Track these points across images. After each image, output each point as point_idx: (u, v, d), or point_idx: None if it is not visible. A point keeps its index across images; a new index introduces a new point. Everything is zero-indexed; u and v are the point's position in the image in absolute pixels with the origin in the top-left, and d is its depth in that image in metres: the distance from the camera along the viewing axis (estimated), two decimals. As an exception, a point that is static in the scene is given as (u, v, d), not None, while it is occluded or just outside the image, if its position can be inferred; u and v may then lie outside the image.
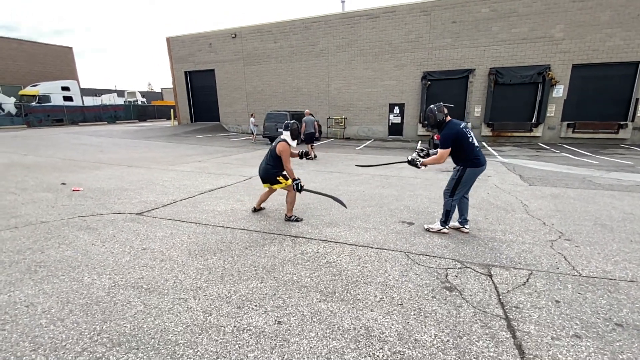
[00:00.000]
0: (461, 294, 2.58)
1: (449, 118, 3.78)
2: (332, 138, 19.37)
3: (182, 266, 3.02)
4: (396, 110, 18.52)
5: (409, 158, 4.11)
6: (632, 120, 14.88)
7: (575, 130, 15.57)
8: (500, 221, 4.42)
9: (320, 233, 3.92)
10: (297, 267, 3.00)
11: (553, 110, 15.93)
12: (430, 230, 3.97)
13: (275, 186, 4.48)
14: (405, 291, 2.61)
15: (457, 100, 17.52)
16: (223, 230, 4.01)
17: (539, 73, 15.67)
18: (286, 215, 4.45)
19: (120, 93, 45.29)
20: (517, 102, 16.60)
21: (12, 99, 24.43)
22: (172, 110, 26.41)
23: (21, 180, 6.64)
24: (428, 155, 4.10)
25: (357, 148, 14.53)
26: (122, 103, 37.29)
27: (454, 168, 3.88)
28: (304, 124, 10.96)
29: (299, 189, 4.25)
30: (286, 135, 4.32)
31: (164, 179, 7.03)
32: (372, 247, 3.48)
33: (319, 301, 2.44)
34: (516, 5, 15.41)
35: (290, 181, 4.33)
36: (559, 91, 15.63)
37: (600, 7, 14.33)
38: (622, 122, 14.99)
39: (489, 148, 14.10)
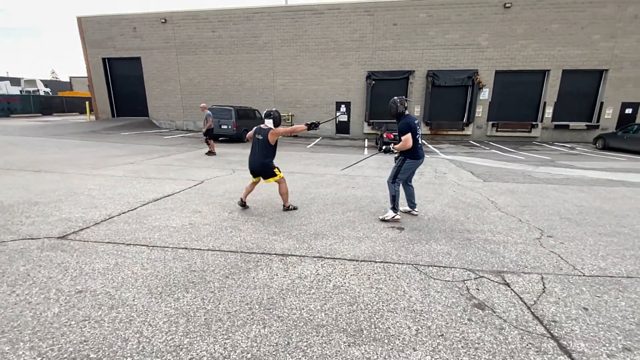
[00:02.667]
0: (494, 312, 2.31)
1: (407, 112, 4.28)
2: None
3: (145, 313, 2.20)
4: (343, 108, 18.58)
5: (384, 147, 4.70)
6: (541, 121, 17.27)
7: (499, 129, 17.48)
8: (481, 220, 4.40)
9: (310, 248, 3.37)
10: (301, 298, 2.42)
11: (480, 111, 17.64)
12: (386, 219, 4.27)
13: (269, 179, 4.44)
14: (437, 316, 2.24)
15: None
16: (188, 253, 3.19)
17: (469, 77, 17.17)
18: (284, 206, 4.64)
19: (15, 81, 37.48)
20: (451, 103, 17.99)
21: None
22: (87, 102, 22.60)
23: None
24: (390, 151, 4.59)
25: (308, 146, 14.11)
26: (19, 93, 30.87)
27: (396, 159, 4.47)
28: (209, 119, 10.25)
29: (317, 125, 4.27)
30: (269, 123, 4.34)
31: (88, 186, 5.65)
32: (375, 262, 3.07)
33: (348, 345, 1.93)
34: (449, 13, 16.61)
35: (281, 174, 4.54)
36: (485, 94, 17.36)
37: (516, 20, 16.22)
38: (533, 123, 17.29)
39: (430, 146, 14.96)
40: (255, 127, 4.45)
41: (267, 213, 4.55)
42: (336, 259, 3.11)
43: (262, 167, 4.36)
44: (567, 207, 5.07)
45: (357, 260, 3.08)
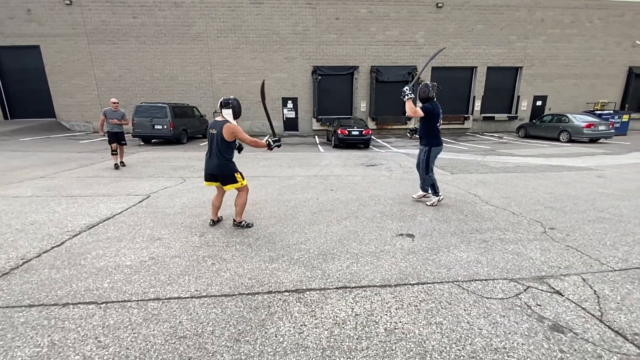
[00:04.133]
0: (575, 334, 1.98)
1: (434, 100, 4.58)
2: (222, 135, 17.09)
3: None
4: (290, 104, 17.84)
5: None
6: (472, 114, 18.88)
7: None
8: (479, 216, 4.23)
9: (326, 275, 2.71)
10: (358, 358, 1.77)
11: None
12: (434, 205, 4.65)
13: (228, 186, 3.63)
14: (524, 351, 1.82)
15: (345, 96, 18.27)
16: (164, 307, 2.26)
17: (409, 72, 17.86)
18: (235, 220, 3.81)
19: None
20: (394, 98, 18.49)
21: None
22: (-37, 101, 17.82)
23: None
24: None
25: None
26: None
27: (421, 150, 4.73)
28: (102, 117, 7.44)
29: (276, 144, 3.87)
30: (227, 114, 3.49)
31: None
32: (411, 284, 2.55)
33: None
34: (388, 10, 17.00)
35: (245, 181, 3.73)
36: (424, 89, 18.26)
37: (447, 20, 17.34)
38: (466, 115, 18.81)
39: (379, 140, 15.18)
40: (210, 121, 3.64)
41: (248, 230, 3.71)
42: (365, 287, 2.51)
43: (220, 168, 3.53)
44: (541, 195, 5.25)
45: (390, 286, 2.52)
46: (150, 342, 1.90)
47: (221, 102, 3.48)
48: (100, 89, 16.95)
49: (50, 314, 2.16)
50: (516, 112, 19.08)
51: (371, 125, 18.15)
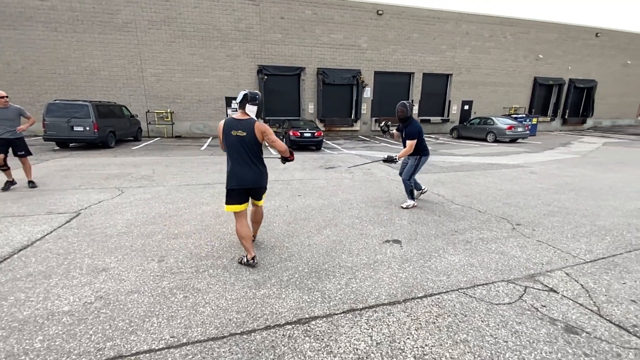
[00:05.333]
0: (588, 334, 2.00)
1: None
2: (157, 137, 15.44)
3: None
4: (234, 104, 16.86)
5: (386, 156, 4.69)
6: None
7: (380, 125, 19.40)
8: (451, 216, 4.32)
9: (326, 297, 2.38)
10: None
11: (365, 108, 19.17)
12: (408, 207, 4.66)
13: (260, 201, 3.10)
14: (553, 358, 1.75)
15: (293, 97, 17.98)
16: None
17: (353, 76, 18.31)
18: (254, 236, 3.36)
19: None
20: (340, 100, 18.85)
21: None
22: None
23: None
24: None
25: (202, 148, 12.09)
26: None
27: (410, 157, 4.63)
28: None
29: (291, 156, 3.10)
30: (252, 111, 2.77)
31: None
32: (419, 298, 2.38)
33: None
34: (333, 13, 17.19)
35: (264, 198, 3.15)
36: (368, 92, 18.93)
37: (387, 27, 18.21)
38: (406, 118, 19.96)
39: (329, 142, 15.24)
40: (225, 121, 2.71)
41: (215, 247, 3.19)
42: (374, 306, 2.26)
43: (260, 180, 2.84)
44: (494, 192, 5.63)
45: (399, 302, 2.31)
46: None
47: (246, 95, 2.70)
48: (-5, 83, 13.92)
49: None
50: (448, 115, 20.89)
51: (320, 126, 18.15)
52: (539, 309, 2.24)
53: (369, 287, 2.51)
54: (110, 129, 11.70)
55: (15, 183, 5.54)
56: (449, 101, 20.69)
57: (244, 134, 2.67)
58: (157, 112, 15.67)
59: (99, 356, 1.77)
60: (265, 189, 3.02)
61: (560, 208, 4.71)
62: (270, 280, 2.62)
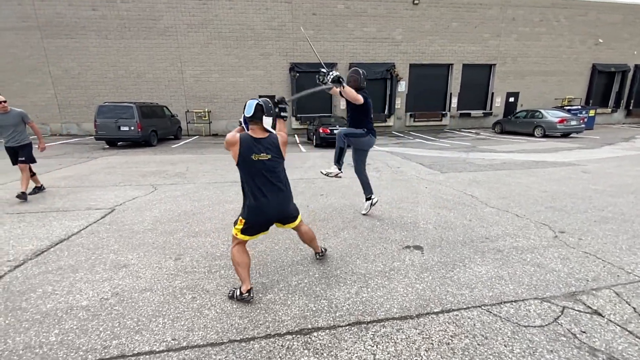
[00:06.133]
0: (638, 371, 1.67)
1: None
2: (195, 135, 16.19)
3: None
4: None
5: (333, 75, 3.35)
6: (449, 110, 19.09)
7: (416, 120, 18.64)
8: (484, 221, 3.96)
9: (333, 307, 2.27)
10: None
11: (399, 103, 18.51)
12: (329, 175, 3.86)
13: (290, 225, 2.54)
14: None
15: (323, 94, 17.82)
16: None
17: (387, 70, 17.74)
18: (317, 253, 2.95)
19: None
20: (373, 95, 18.24)
21: None
22: None
23: None
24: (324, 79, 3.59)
25: (236, 146, 12.40)
26: None
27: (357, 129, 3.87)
28: None
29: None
30: (269, 123, 2.25)
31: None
32: (434, 314, 2.17)
33: None
34: (366, 6, 16.74)
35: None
36: (403, 86, 18.25)
37: (424, 17, 17.35)
38: (443, 112, 18.98)
39: (361, 138, 14.90)
40: (241, 138, 2.19)
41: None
42: (382, 320, 2.10)
43: (288, 204, 2.43)
44: (537, 194, 5.10)
45: (411, 317, 2.13)
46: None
47: (260, 107, 2.17)
48: (57, 88, 15.48)
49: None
50: (491, 109, 19.50)
51: (351, 123, 17.88)
52: (578, 336, 1.94)
53: (381, 298, 2.35)
54: (153, 128, 12.46)
55: (44, 189, 5.46)
56: (492, 93, 19.29)
57: (269, 156, 2.21)
58: (195, 112, 16.42)
59: (103, 354, 1.82)
60: (293, 214, 2.51)
61: (615, 214, 4.12)
62: (278, 284, 2.56)
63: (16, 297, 2.40)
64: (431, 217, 4.11)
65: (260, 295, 2.41)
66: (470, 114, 19.17)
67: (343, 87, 3.34)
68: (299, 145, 12.83)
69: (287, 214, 2.43)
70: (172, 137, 14.65)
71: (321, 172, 3.94)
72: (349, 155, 4.18)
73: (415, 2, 16.97)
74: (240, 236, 2.34)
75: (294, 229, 2.60)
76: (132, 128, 11.48)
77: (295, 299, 2.36)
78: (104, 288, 2.52)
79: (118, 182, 6.22)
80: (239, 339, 1.95)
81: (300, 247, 3.25)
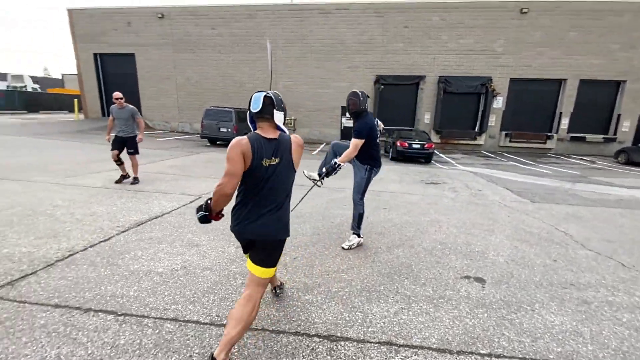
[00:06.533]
0: None
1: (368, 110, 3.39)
2: (280, 141, 17.50)
3: None
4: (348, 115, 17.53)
5: (325, 169, 3.25)
6: (557, 132, 16.44)
7: (512, 140, 16.58)
8: (574, 264, 3.31)
9: (367, 321, 2.22)
10: None
11: (494, 120, 16.75)
12: (352, 247, 3.43)
13: (272, 268, 1.82)
14: None
15: (408, 107, 17.38)
16: (179, 334, 2.01)
17: (482, 84, 16.30)
18: (275, 287, 2.45)
19: (2, 76, 35.81)
20: (463, 110, 17.09)
21: None
22: (75, 100, 21.22)
23: None
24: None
25: (313, 153, 13.03)
26: (4, 88, 29.28)
27: (357, 167, 3.53)
28: (110, 117, 5.91)
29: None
30: (280, 120, 1.77)
31: (55, 202, 4.43)
32: (480, 355, 1.93)
33: None
34: (463, 17, 15.77)
35: None
36: (499, 102, 16.49)
37: (532, 27, 15.45)
38: (549, 134, 16.44)
39: (443, 155, 13.98)
40: (250, 139, 1.64)
41: (285, 245, 3.39)
42: (416, 347, 1.97)
43: (286, 227, 1.87)
44: (663, 244, 4.02)
45: (450, 352, 1.94)
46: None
47: (269, 99, 1.71)
48: (179, 93, 18.69)
49: (69, 319, 2.05)
50: (615, 134, 16.12)
51: (435, 138, 16.93)
52: None
53: (421, 324, 2.19)
54: (246, 131, 13.89)
55: (129, 177, 5.92)
56: (618, 115, 15.94)
57: (277, 160, 1.70)
58: (282, 119, 17.79)
59: (163, 314, 2.15)
60: (281, 248, 1.90)
61: None
62: (319, 287, 2.62)
63: (116, 255, 3.01)
64: (505, 249, 3.63)
65: (300, 294, 2.51)
66: (584, 138, 16.18)
67: (336, 167, 3.19)
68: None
69: (281, 238, 1.84)
70: (260, 140, 16.16)
71: (303, 172, 3.40)
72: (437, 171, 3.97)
73: (524, 10, 15.28)
74: (252, 268, 1.78)
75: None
76: (229, 130, 13.11)
77: (331, 305, 2.38)
78: (177, 261, 2.96)
79: (210, 174, 7.18)
80: (271, 329, 2.07)
81: (349, 256, 3.25)
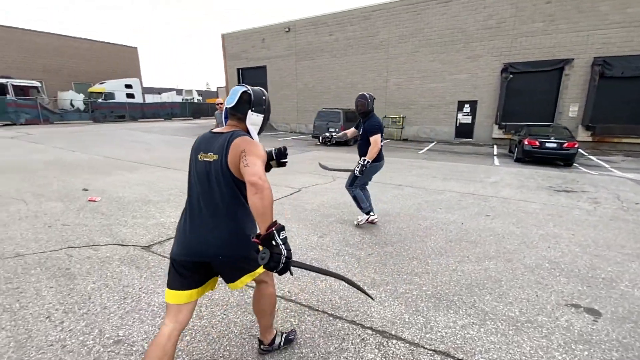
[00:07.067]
0: None
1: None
2: (387, 139, 17.30)
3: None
4: (466, 108, 15.84)
5: (360, 163, 3.67)
6: None
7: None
8: None
9: (426, 328, 2.14)
10: None
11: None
12: (360, 223, 3.97)
13: (237, 283, 1.54)
14: None
15: (546, 98, 14.41)
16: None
17: (667, 63, 12.02)
18: (263, 343, 1.81)
19: (180, 91, 47.49)
20: (628, 100, 13.02)
21: (81, 96, 26.16)
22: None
23: (46, 183, 5.82)
24: (331, 138, 4.21)
25: (420, 152, 12.37)
26: (180, 101, 38.80)
27: (359, 161, 3.73)
28: (216, 122, 6.65)
29: (284, 267, 1.24)
30: (254, 123, 1.58)
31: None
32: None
33: None
34: (638, -24, 11.96)
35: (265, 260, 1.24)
36: (697, 86, 11.82)
37: None
38: None
39: (592, 157, 11.02)
40: (199, 137, 1.61)
41: (363, 239, 3.49)
42: (477, 365, 1.79)
43: (230, 244, 1.46)
44: None
45: (519, 381, 1.68)
46: (230, 328, 2.07)
47: (247, 94, 1.53)
48: (298, 98, 20.79)
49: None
50: None
51: (583, 135, 13.58)
52: None
53: (490, 344, 1.96)
54: (352, 130, 14.50)
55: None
56: None
57: (215, 157, 1.44)
58: (391, 117, 17.54)
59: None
60: (243, 261, 1.51)
61: None
62: (386, 285, 2.63)
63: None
64: (651, 282, 2.74)
65: (366, 287, 2.59)
66: None
67: (365, 164, 3.61)
68: (495, 157, 11.16)
69: (217, 254, 1.44)
70: (368, 139, 16.40)
71: (354, 223, 4.06)
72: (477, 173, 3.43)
73: None
74: (166, 292, 1.49)
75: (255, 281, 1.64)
76: (337, 129, 13.82)
77: (394, 304, 2.37)
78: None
79: (312, 170, 7.85)
80: (330, 312, 2.25)
81: (428, 261, 3.10)
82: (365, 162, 3.60)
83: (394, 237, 3.69)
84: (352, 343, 1.95)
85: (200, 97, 45.98)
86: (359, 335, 2.03)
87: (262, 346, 1.82)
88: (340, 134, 4.14)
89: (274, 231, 1.22)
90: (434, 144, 15.31)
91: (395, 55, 16.96)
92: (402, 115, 17.24)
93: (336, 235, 3.71)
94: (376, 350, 1.89)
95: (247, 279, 1.54)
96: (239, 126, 1.56)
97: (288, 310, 2.27)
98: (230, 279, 1.53)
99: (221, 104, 6.59)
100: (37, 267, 2.81)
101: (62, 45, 30.83)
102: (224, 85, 25.16)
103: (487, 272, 2.88)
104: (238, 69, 23.25)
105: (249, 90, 1.53)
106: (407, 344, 1.95)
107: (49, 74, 29.69)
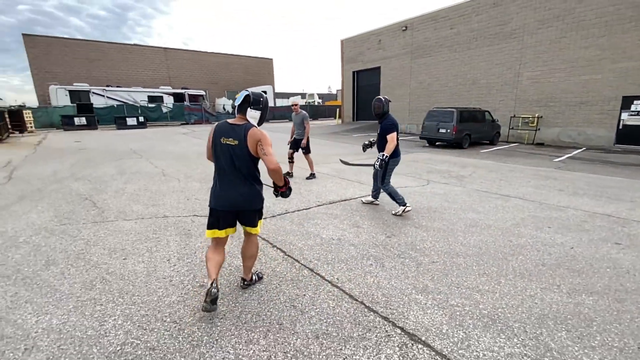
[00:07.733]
0: None
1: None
2: (515, 143, 14.87)
3: None
4: (636, 105, 12.05)
5: (379, 158, 4.14)
6: None
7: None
8: None
9: (465, 344, 1.99)
10: None
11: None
12: (397, 214, 4.35)
13: (251, 228, 2.40)
14: None
15: None
16: (314, 281, 2.71)
17: None
18: (244, 280, 2.59)
19: (304, 95, 52.61)
20: None
21: (230, 101, 32.39)
22: (338, 109, 27.84)
23: (194, 168, 7.68)
24: (372, 144, 4.70)
25: (557, 159, 10.18)
26: (303, 104, 43.00)
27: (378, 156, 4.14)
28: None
29: (289, 194, 2.46)
30: (253, 117, 2.22)
31: (295, 180, 6.51)
32: None
33: None
34: None
35: (260, 223, 2.45)
36: None
37: None
38: None
39: None
40: (217, 125, 2.24)
41: (433, 248, 3.32)
42: (505, 394, 1.60)
43: (254, 200, 2.30)
44: None
45: None
46: (279, 299, 2.44)
47: (247, 97, 2.17)
48: (410, 97, 20.12)
49: (262, 249, 3.28)
50: None
51: None
52: None
53: (536, 379, 1.68)
54: (467, 132, 13.12)
55: (292, 176, 6.73)
56: None
57: (235, 142, 2.14)
58: (522, 117, 15.00)
59: (306, 264, 2.96)
60: (260, 213, 2.40)
61: None
62: (437, 294, 2.50)
63: (305, 221, 4.19)
64: None
65: (414, 291, 2.54)
66: None
67: (384, 158, 4.14)
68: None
69: (247, 208, 2.28)
70: (487, 142, 14.50)
71: (392, 213, 4.46)
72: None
73: None
74: (207, 233, 2.32)
75: (247, 235, 2.46)
76: (448, 131, 12.79)
77: (437, 313, 2.27)
78: (337, 233, 3.74)
79: (408, 172, 7.66)
80: (367, 305, 2.35)
81: (501, 280, 2.74)
82: (384, 157, 4.06)
83: (470, 249, 3.37)
84: (376, 335, 2.02)
85: (320, 100, 49.73)
86: (386, 331, 2.07)
87: (244, 282, 2.59)
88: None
89: (290, 185, 2.40)
90: (580, 150, 12.32)
91: (532, 44, 14.37)
92: (537, 115, 14.50)
93: (405, 237, 3.66)
94: (397, 349, 1.91)
95: (260, 223, 2.45)
96: (244, 119, 2.22)
97: (330, 294, 2.48)
98: (252, 224, 2.36)
99: (296, 105, 6.68)
100: (172, 226, 3.89)
101: (220, 61, 39.31)
102: (341, 88, 26.56)
103: (578, 308, 2.36)
104: (353, 72, 24.15)
105: (249, 94, 2.18)
106: (433, 353, 1.88)
107: (210, 85, 38.03)
